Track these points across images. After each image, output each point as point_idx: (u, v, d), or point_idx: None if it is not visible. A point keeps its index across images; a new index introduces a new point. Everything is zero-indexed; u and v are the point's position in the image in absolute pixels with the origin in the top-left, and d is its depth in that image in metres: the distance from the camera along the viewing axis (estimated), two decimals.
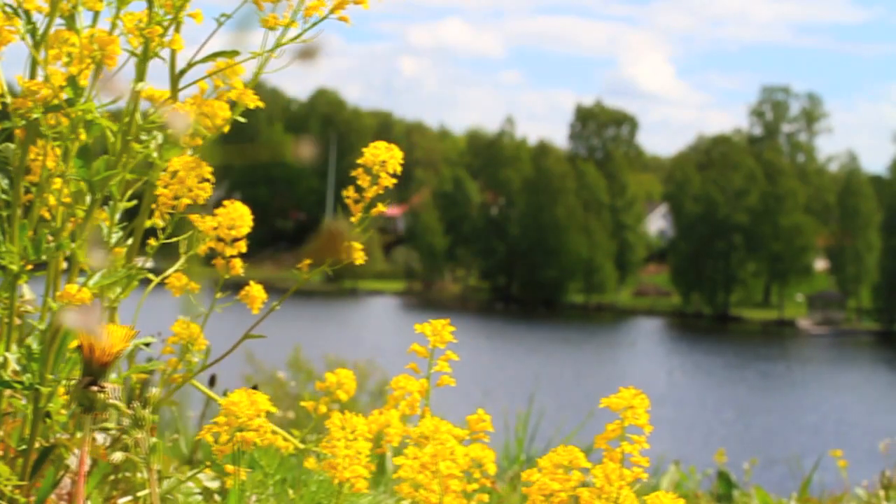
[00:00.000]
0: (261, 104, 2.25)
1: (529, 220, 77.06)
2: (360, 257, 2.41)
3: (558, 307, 74.68)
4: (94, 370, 1.54)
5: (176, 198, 2.44)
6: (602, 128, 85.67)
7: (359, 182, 2.32)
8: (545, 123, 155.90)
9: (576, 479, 2.13)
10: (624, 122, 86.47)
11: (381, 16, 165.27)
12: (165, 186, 2.29)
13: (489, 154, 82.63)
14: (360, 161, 2.31)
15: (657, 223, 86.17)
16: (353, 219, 2.39)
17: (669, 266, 78.31)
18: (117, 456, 1.55)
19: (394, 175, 2.33)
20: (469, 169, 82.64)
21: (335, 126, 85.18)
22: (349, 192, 2.32)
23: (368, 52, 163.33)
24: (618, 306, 75.97)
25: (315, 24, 2.20)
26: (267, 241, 73.95)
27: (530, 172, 78.72)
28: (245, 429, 1.96)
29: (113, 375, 2.46)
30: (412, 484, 2.19)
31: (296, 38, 2.20)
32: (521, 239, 77.34)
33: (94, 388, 1.53)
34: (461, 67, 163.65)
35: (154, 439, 1.51)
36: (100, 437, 2.37)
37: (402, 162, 2.31)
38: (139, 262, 2.69)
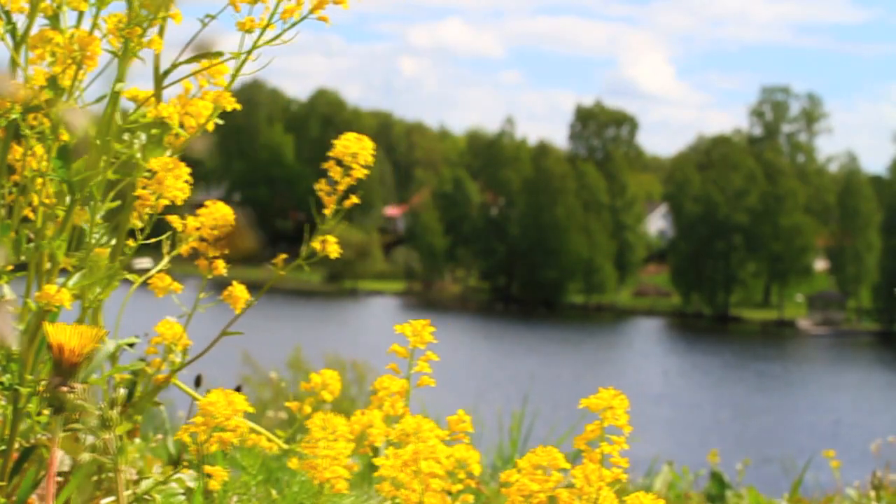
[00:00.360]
0: (238, 106, 2.25)
1: (529, 221, 77.07)
2: (334, 251, 2.40)
3: (558, 307, 74.69)
4: (64, 371, 1.54)
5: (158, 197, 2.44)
6: (602, 128, 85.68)
7: (331, 174, 2.31)
8: (545, 123, 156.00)
9: (555, 480, 2.13)
10: (624, 122, 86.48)
11: (381, 16, 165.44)
12: (144, 187, 2.29)
13: (489, 154, 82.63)
14: (331, 153, 2.31)
15: (657, 223, 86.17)
16: (326, 211, 2.38)
17: (669, 266, 78.31)
18: (84, 457, 1.55)
19: (366, 166, 2.32)
20: (469, 169, 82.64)
21: (335, 126, 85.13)
22: (321, 185, 2.32)
23: (368, 52, 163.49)
24: (618, 307, 75.98)
25: (294, 24, 2.19)
26: (267, 242, 73.93)
27: (530, 173, 78.73)
28: (222, 429, 1.96)
29: (95, 376, 2.46)
30: (394, 483, 2.19)
31: (274, 38, 2.20)
32: (521, 239, 77.34)
33: (64, 389, 1.53)
34: (461, 67, 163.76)
35: (121, 440, 1.51)
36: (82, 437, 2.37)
37: (373, 154, 2.30)
38: (140, 261, 2.69)
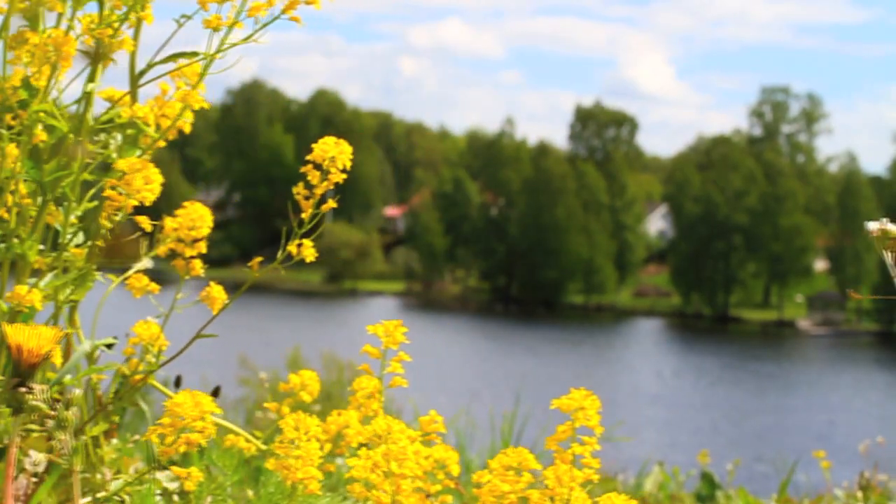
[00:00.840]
0: (206, 105, 2.25)
1: (529, 221, 77.08)
2: (310, 255, 2.40)
3: (558, 308, 74.69)
4: (23, 371, 1.54)
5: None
6: (602, 128, 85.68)
7: (308, 178, 2.31)
8: (545, 124, 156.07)
9: (525, 481, 2.13)
10: (624, 122, 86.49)
11: (381, 16, 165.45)
12: (112, 188, 2.29)
13: (489, 154, 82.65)
14: (309, 157, 2.30)
15: (657, 224, 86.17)
16: (303, 215, 2.38)
17: (669, 266, 78.31)
18: (40, 457, 1.55)
19: (344, 170, 2.32)
20: (469, 169, 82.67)
21: (335, 127, 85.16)
22: (299, 189, 2.31)
23: (368, 52, 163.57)
24: (618, 307, 75.99)
25: (266, 24, 2.19)
26: (266, 242, 73.94)
27: (530, 173, 78.74)
28: (189, 430, 1.96)
29: (69, 376, 2.46)
30: (365, 484, 2.19)
31: (247, 38, 2.20)
32: (520, 239, 77.35)
33: (23, 390, 1.53)
34: (461, 67, 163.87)
35: (89, 441, 1.51)
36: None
37: (351, 157, 2.30)
38: (138, 263, 2.69)
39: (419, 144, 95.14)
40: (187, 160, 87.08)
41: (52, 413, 1.49)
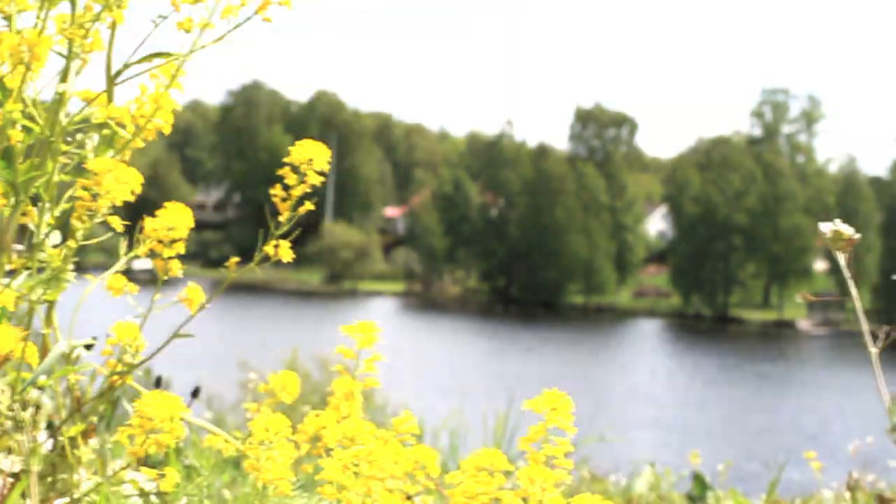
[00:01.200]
0: (178, 107, 2.25)
1: (529, 222, 77.07)
2: (287, 255, 2.39)
3: (558, 308, 74.67)
4: None
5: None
6: (602, 129, 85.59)
7: (286, 180, 2.31)
8: (545, 125, 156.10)
9: (498, 482, 2.13)
10: (623, 123, 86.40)
11: (381, 16, 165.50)
12: (84, 188, 2.29)
13: (489, 156, 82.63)
14: (286, 160, 2.31)
15: (657, 224, 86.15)
16: (280, 217, 2.38)
17: (669, 267, 78.31)
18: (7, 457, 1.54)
19: (321, 173, 2.32)
20: (469, 170, 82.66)
21: (335, 127, 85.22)
22: (276, 191, 2.31)
23: (367, 52, 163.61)
24: (617, 307, 75.96)
25: (239, 25, 2.19)
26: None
27: (530, 174, 78.72)
28: (158, 431, 1.95)
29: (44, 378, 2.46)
30: (337, 486, 2.19)
31: (220, 38, 2.20)
32: (520, 240, 77.34)
33: None
34: (460, 68, 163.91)
35: (36, 441, 1.50)
36: (41, 438, 2.36)
37: (329, 161, 2.30)
38: (138, 263, 2.69)
39: (419, 145, 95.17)
40: (187, 160, 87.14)
41: (10, 413, 1.48)
